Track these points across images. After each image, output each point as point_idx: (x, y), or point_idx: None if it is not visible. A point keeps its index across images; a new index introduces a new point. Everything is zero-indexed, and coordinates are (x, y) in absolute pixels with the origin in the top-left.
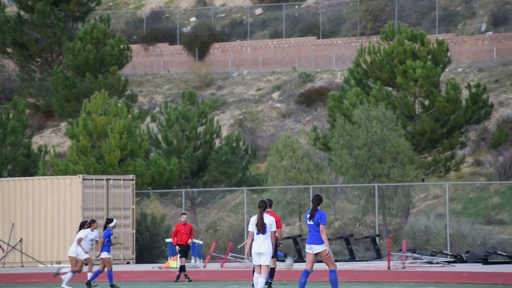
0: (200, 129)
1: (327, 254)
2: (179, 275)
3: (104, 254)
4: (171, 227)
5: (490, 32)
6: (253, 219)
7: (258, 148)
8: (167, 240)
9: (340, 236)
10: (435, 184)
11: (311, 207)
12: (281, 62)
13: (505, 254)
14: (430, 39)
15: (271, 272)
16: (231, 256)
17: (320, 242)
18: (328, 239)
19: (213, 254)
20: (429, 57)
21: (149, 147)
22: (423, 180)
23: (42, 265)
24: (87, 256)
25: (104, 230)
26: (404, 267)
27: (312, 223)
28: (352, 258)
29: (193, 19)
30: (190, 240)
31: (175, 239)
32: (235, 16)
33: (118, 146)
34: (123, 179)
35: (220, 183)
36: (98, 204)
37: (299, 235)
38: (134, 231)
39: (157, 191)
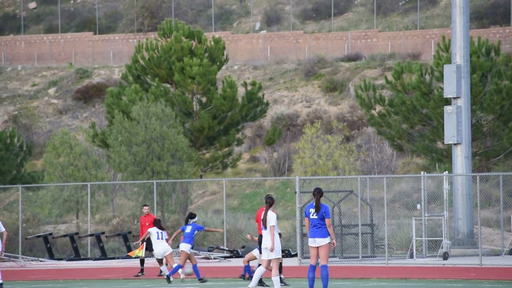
0: None
1: (333, 248)
2: None
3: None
4: None
5: (264, 31)
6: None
7: (34, 145)
8: None
9: (118, 234)
10: (212, 181)
11: (314, 200)
12: (57, 57)
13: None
14: (207, 37)
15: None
16: (5, 256)
17: (325, 235)
18: (107, 236)
19: None
20: (206, 54)
21: None
22: (201, 176)
23: None
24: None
25: (186, 224)
26: None
27: (316, 217)
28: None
29: None
30: None
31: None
32: (7, 10)
33: None
34: None
35: None
36: None
37: (76, 233)
38: None
39: None
